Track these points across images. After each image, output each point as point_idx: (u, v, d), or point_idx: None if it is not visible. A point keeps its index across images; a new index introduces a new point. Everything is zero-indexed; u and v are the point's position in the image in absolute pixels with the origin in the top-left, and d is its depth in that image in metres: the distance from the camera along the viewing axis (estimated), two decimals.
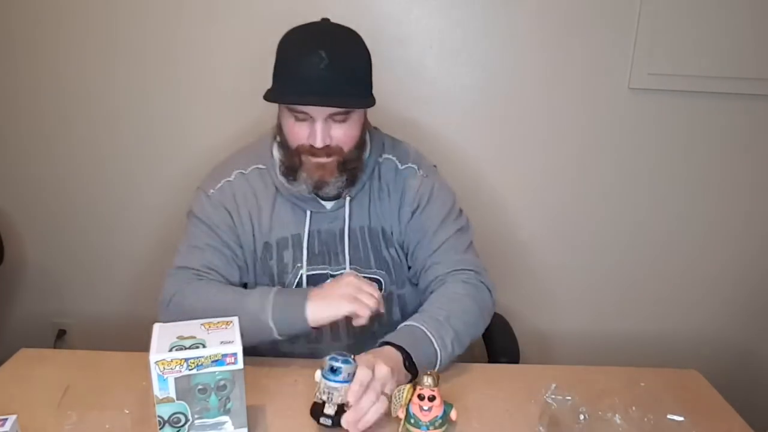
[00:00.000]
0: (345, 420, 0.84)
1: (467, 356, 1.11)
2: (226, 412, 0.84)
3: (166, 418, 0.82)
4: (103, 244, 1.77)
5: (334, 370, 0.85)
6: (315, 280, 1.15)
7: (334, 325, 1.16)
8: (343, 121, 1.05)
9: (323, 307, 1.01)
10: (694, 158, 1.69)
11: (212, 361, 0.81)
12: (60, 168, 1.71)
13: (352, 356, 0.87)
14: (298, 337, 1.15)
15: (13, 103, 1.66)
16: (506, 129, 1.67)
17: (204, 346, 0.82)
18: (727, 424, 0.97)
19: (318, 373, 0.87)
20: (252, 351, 1.23)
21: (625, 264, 1.78)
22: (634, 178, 1.71)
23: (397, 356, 0.96)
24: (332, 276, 1.15)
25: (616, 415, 0.94)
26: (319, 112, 1.03)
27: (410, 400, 0.86)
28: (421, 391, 0.85)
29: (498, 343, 1.35)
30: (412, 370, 0.97)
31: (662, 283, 1.80)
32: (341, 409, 0.85)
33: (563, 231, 1.76)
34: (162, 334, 0.84)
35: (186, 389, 0.81)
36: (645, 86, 1.61)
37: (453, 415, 0.89)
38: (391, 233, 1.18)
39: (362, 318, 1.00)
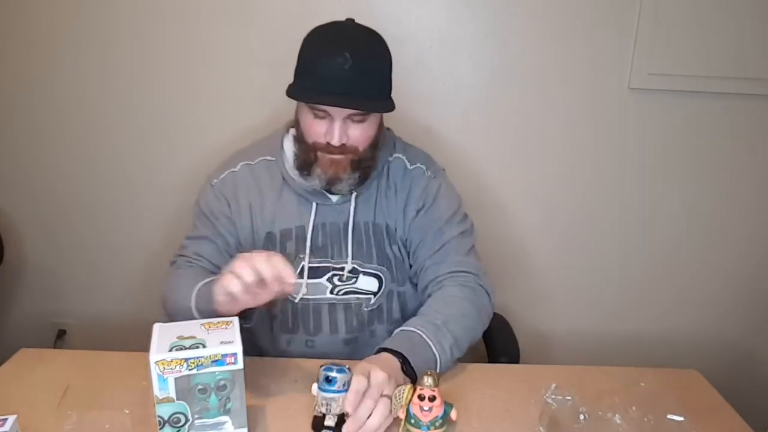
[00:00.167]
0: (345, 430, 0.84)
1: (467, 356, 1.11)
2: (226, 412, 0.84)
3: (166, 418, 0.82)
4: (103, 244, 1.77)
5: (329, 381, 0.84)
6: (317, 273, 1.16)
7: (332, 321, 1.17)
8: (361, 121, 1.07)
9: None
10: (694, 158, 1.69)
11: (212, 361, 0.81)
12: (60, 168, 1.71)
13: (347, 366, 0.87)
14: (296, 330, 1.17)
15: (14, 103, 1.66)
16: (506, 129, 1.67)
17: (204, 346, 0.82)
18: (727, 424, 0.97)
19: (314, 386, 0.86)
20: (252, 351, 1.25)
21: (626, 264, 1.78)
22: (634, 178, 1.71)
23: (395, 362, 0.96)
24: (334, 269, 1.16)
25: (616, 415, 0.94)
26: (338, 112, 1.05)
27: (410, 400, 0.86)
28: (422, 392, 0.85)
29: (498, 343, 1.35)
30: (410, 375, 0.96)
31: (662, 283, 1.80)
32: (341, 419, 0.85)
33: (563, 231, 1.76)
34: (162, 334, 0.84)
35: (186, 389, 0.81)
36: (645, 86, 1.61)
37: (453, 415, 0.89)
38: (395, 230, 1.19)
39: (232, 287, 0.88)
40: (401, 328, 1.05)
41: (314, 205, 1.16)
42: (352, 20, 1.12)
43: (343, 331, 1.18)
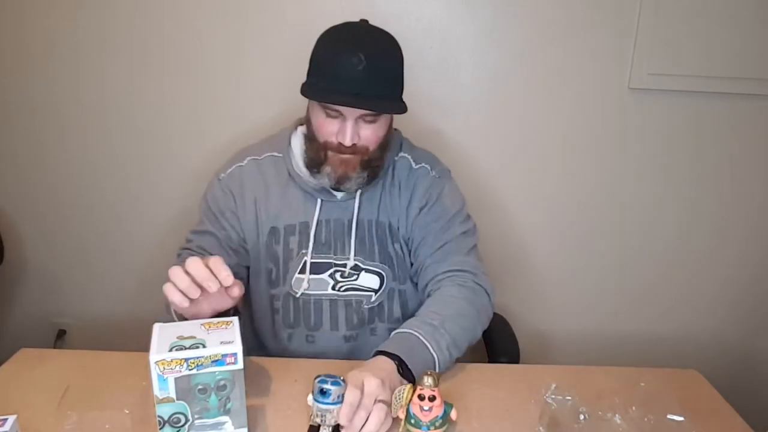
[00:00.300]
0: (344, 420, 0.83)
1: (467, 356, 1.11)
2: (226, 412, 0.84)
3: (166, 418, 0.82)
4: (103, 244, 1.77)
5: (323, 392, 0.84)
6: (319, 269, 1.17)
7: (333, 317, 1.18)
8: (373, 121, 1.08)
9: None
10: (694, 158, 1.69)
11: (212, 361, 0.81)
12: (60, 169, 1.71)
13: (342, 377, 0.86)
14: (297, 324, 1.19)
15: (15, 103, 1.66)
16: (505, 129, 1.67)
17: (204, 346, 0.82)
18: (727, 424, 0.97)
19: (310, 397, 0.86)
20: (254, 343, 1.26)
21: (625, 264, 1.78)
22: (633, 179, 1.71)
23: (390, 365, 0.95)
24: (336, 265, 1.17)
25: (616, 415, 0.93)
26: (351, 112, 1.06)
27: (410, 400, 0.86)
28: (422, 392, 0.85)
29: (498, 343, 1.35)
30: (408, 377, 0.96)
31: (662, 283, 1.80)
32: (336, 430, 0.85)
33: (563, 231, 1.76)
34: (162, 334, 0.84)
35: (186, 389, 0.81)
36: (645, 86, 1.61)
37: (453, 415, 0.89)
38: (398, 229, 1.20)
39: (170, 297, 0.88)
40: (398, 330, 1.04)
41: (319, 201, 1.17)
42: (366, 21, 1.13)
43: (343, 328, 1.19)
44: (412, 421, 0.86)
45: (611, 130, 1.67)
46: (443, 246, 1.18)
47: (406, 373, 0.96)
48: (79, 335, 1.84)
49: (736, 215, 1.74)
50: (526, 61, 1.61)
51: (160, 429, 0.82)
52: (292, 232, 1.18)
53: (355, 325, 1.19)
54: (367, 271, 1.18)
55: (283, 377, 1.03)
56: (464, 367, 1.09)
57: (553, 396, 0.90)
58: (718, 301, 1.82)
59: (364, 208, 1.18)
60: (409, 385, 0.87)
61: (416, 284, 1.23)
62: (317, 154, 1.11)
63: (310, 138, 1.13)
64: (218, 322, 0.88)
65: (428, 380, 0.85)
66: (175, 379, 0.80)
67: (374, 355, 0.99)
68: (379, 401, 0.85)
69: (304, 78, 1.11)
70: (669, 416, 0.96)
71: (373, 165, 1.12)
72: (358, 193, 1.17)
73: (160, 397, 0.81)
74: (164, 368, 0.80)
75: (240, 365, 0.83)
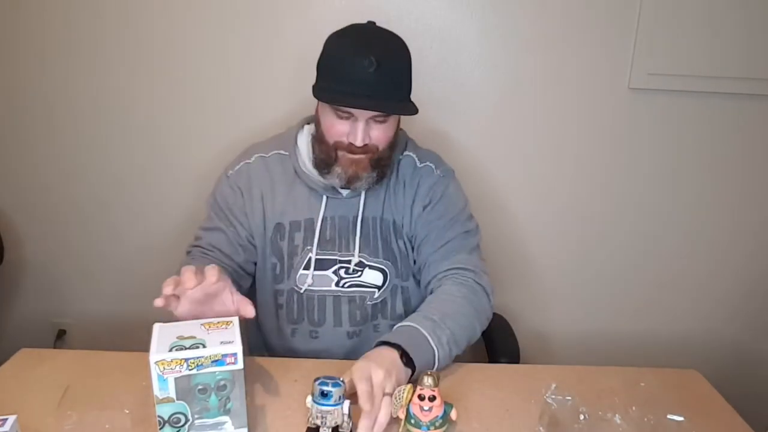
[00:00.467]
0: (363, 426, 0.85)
1: (467, 356, 1.11)
2: (226, 412, 0.84)
3: (166, 418, 0.82)
4: (103, 244, 1.77)
5: (324, 395, 0.84)
6: (323, 265, 1.18)
7: (336, 313, 1.19)
8: (383, 122, 1.10)
9: None
10: (694, 158, 1.69)
11: (212, 361, 0.81)
12: (60, 168, 1.71)
13: (341, 378, 0.87)
14: (300, 320, 1.20)
15: (14, 102, 1.66)
16: (505, 129, 1.67)
17: (204, 346, 0.82)
18: (727, 424, 0.97)
19: (308, 399, 0.86)
20: (257, 340, 1.27)
21: (625, 264, 1.78)
22: (633, 179, 1.71)
23: (393, 355, 0.96)
24: (341, 262, 1.18)
25: (616, 415, 0.93)
26: (362, 113, 1.07)
27: (410, 400, 0.86)
28: (422, 392, 0.85)
29: (498, 343, 1.35)
30: (410, 367, 0.97)
31: (662, 282, 1.80)
32: (336, 431, 0.85)
33: (562, 231, 1.76)
34: (162, 334, 0.84)
35: (186, 389, 0.81)
36: (645, 86, 1.61)
37: (453, 415, 0.89)
38: (402, 225, 1.21)
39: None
40: (399, 325, 1.06)
41: (324, 198, 1.19)
42: (373, 23, 1.14)
43: (346, 324, 1.20)
44: (412, 421, 0.86)
45: (611, 130, 1.67)
46: (446, 244, 1.19)
47: (409, 363, 0.97)
48: (79, 335, 1.84)
49: (737, 216, 1.74)
50: (526, 61, 1.61)
51: (160, 429, 0.82)
52: (298, 229, 1.19)
53: (359, 322, 1.20)
54: (371, 267, 1.19)
55: (283, 377, 1.03)
56: (464, 367, 1.09)
57: (553, 396, 0.90)
58: (718, 302, 1.82)
59: (369, 205, 1.20)
60: (409, 385, 0.87)
61: (419, 281, 1.24)
62: (327, 155, 1.13)
63: (319, 139, 1.15)
64: (218, 322, 0.88)
65: (428, 380, 0.85)
66: (175, 379, 0.80)
67: (376, 346, 1.00)
68: (386, 394, 0.87)
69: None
70: (669, 416, 0.96)
71: (382, 164, 1.14)
72: (364, 190, 1.18)
73: (160, 397, 0.81)
74: (164, 368, 0.80)
75: (240, 365, 0.83)
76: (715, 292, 1.81)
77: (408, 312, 1.20)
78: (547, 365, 1.14)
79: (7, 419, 0.80)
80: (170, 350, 0.80)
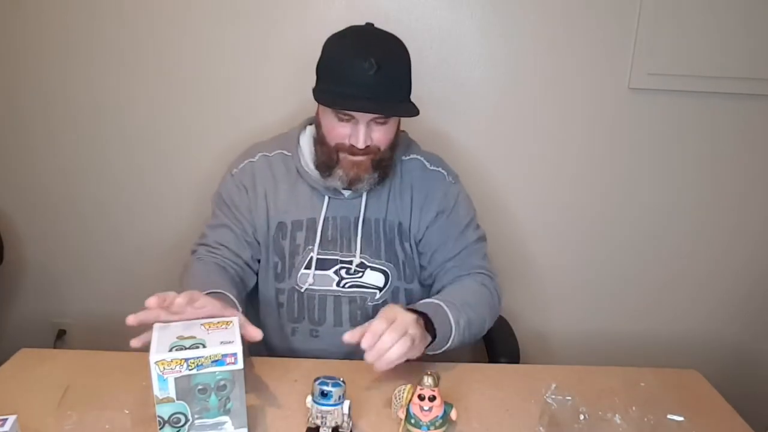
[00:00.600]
0: (364, 346, 0.88)
1: (467, 356, 1.12)
2: (226, 412, 0.84)
3: (166, 418, 0.82)
4: (103, 244, 1.77)
5: (324, 395, 0.84)
6: (324, 265, 1.19)
7: (337, 313, 1.20)
8: (384, 123, 1.10)
9: None
10: (694, 158, 1.69)
11: (212, 361, 0.81)
12: (60, 168, 1.71)
13: (342, 379, 0.87)
14: (301, 319, 1.21)
15: (14, 103, 1.66)
16: (504, 129, 1.67)
17: (204, 346, 0.82)
18: (727, 424, 0.97)
19: (308, 399, 0.86)
20: (258, 347, 1.26)
21: (625, 264, 1.78)
22: (633, 179, 1.71)
23: (418, 318, 0.99)
24: (342, 262, 1.19)
25: (616, 415, 0.93)
26: (363, 116, 1.08)
27: (410, 400, 0.86)
28: (422, 392, 0.85)
29: (498, 343, 1.35)
30: (431, 333, 1.00)
31: (662, 283, 1.80)
32: (336, 431, 0.85)
33: (563, 231, 1.76)
34: (162, 334, 0.85)
35: (186, 389, 0.81)
36: (645, 86, 1.61)
37: (453, 415, 0.89)
38: (409, 229, 1.22)
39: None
40: (423, 301, 1.09)
41: (326, 198, 1.19)
42: (372, 24, 1.14)
43: (347, 324, 1.20)
44: (412, 421, 0.86)
45: (611, 130, 1.67)
46: (461, 251, 1.21)
47: (431, 330, 1.00)
48: (79, 335, 1.84)
49: (737, 216, 1.74)
50: (526, 61, 1.61)
51: (160, 429, 0.82)
52: (299, 228, 1.20)
53: (359, 322, 1.19)
54: (373, 268, 1.20)
55: (283, 377, 1.03)
56: (464, 367, 1.09)
57: (553, 396, 0.90)
58: (719, 302, 1.82)
59: (371, 206, 1.20)
60: (409, 385, 0.87)
61: (426, 285, 1.26)
62: (329, 157, 1.13)
63: (320, 141, 1.15)
64: (218, 322, 0.88)
65: (428, 380, 0.85)
66: (175, 379, 0.80)
67: None
68: (409, 334, 0.91)
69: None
70: (669, 416, 0.96)
71: (384, 165, 1.15)
72: (365, 191, 1.19)
73: (160, 397, 0.81)
74: (164, 368, 0.80)
75: (240, 365, 0.83)
76: (715, 292, 1.81)
77: None
78: (547, 365, 1.14)
79: (7, 419, 0.80)
80: (170, 350, 0.80)
